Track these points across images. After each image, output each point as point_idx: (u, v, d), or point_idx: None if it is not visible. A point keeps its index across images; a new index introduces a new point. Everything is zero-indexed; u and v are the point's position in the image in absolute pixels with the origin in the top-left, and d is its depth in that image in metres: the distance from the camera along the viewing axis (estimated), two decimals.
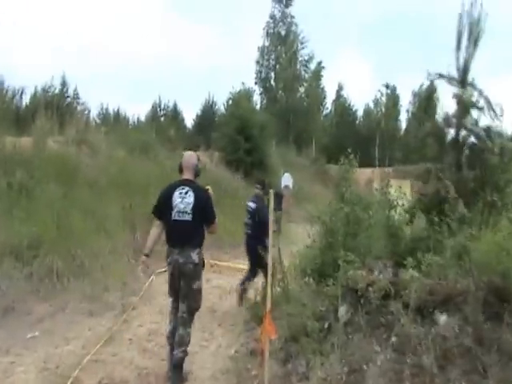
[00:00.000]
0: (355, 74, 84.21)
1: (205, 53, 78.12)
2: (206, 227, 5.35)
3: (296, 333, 5.61)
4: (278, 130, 34.54)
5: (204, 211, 5.22)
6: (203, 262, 5.35)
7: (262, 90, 46.95)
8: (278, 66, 46.48)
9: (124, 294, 8.77)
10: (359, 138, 61.81)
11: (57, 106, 24.02)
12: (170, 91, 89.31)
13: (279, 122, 36.23)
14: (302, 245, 7.79)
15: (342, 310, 5.47)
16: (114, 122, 31.64)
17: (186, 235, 5.13)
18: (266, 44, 47.24)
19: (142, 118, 42.58)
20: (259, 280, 8.09)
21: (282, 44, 46.48)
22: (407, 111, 62.71)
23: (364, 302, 5.33)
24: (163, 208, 5.24)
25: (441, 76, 6.42)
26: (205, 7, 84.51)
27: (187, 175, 5.37)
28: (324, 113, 53.65)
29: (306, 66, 47.28)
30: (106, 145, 14.91)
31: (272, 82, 47.33)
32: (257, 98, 44.44)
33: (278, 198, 12.36)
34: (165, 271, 11.00)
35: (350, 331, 5.25)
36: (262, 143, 24.15)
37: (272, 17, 47.35)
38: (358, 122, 65.97)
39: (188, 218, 5.11)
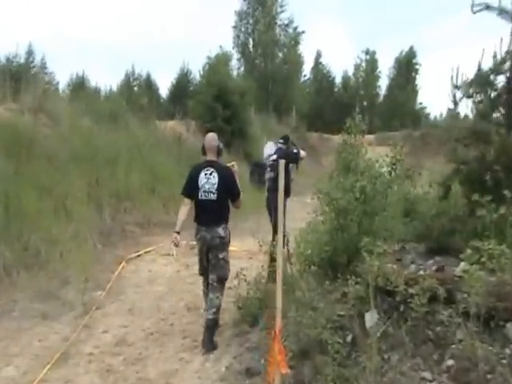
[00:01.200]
0: (333, 42, 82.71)
1: (181, 21, 75.45)
2: (232, 203, 5.74)
3: (308, 347, 4.22)
4: (257, 98, 32.86)
5: (228, 189, 5.63)
6: (229, 235, 5.73)
7: (239, 55, 44.86)
8: (256, 31, 44.36)
9: (87, 288, 7.25)
10: (338, 106, 60.81)
11: (13, 72, 21.92)
12: (145, 62, 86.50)
13: (258, 89, 34.48)
14: (300, 225, 6.65)
15: (371, 318, 4.07)
16: (79, 89, 29.31)
17: (212, 213, 5.52)
18: (244, 8, 45.03)
19: (115, 89, 40.29)
20: (251, 271, 6.62)
21: (260, 7, 44.28)
22: (388, 77, 61.76)
23: (402, 307, 3.93)
24: (191, 188, 5.62)
25: (488, 7, 4.88)
26: None
27: (211, 156, 5.73)
28: (302, 80, 51.70)
29: (286, 31, 45.13)
30: (68, 114, 13.16)
31: (250, 47, 45.26)
32: (235, 64, 42.31)
33: (260, 169, 11.54)
34: (138, 256, 9.87)
35: (385, 348, 3.84)
36: (241, 111, 22.53)
37: None
38: (336, 89, 64.87)
39: (213, 197, 5.53)
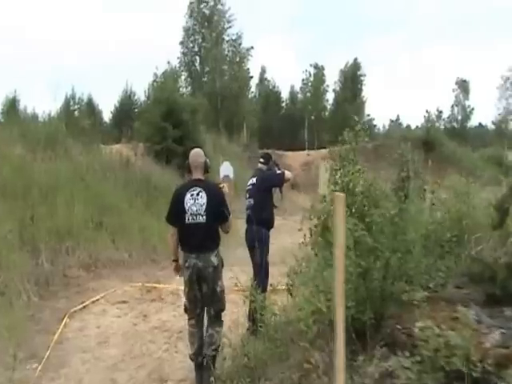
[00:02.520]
0: (278, 58, 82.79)
1: (126, 41, 73.55)
2: (220, 226, 5.13)
3: None
4: (207, 116, 31.56)
5: (218, 209, 5.02)
6: (222, 262, 5.18)
7: (187, 73, 43.47)
8: (203, 48, 43.13)
9: (18, 361, 5.61)
10: (287, 121, 60.51)
11: None
12: (86, 85, 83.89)
13: (208, 107, 33.17)
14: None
15: None
16: (11, 113, 27.19)
17: (202, 238, 4.97)
18: (190, 24, 43.74)
19: (54, 113, 38.05)
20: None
21: (206, 23, 43.11)
22: (334, 91, 61.98)
23: None
24: (176, 213, 5.05)
25: None
26: None
27: (197, 174, 5.16)
28: (249, 96, 50.82)
29: (234, 46, 44.06)
30: None
31: (197, 64, 43.97)
32: (182, 83, 40.84)
33: None
34: (84, 308, 8.25)
35: None
36: (193, 130, 21.31)
37: None
38: (284, 104, 64.77)
39: (202, 219, 4.96)
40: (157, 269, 10.51)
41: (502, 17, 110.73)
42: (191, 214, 4.97)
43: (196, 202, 4.97)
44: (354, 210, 5.33)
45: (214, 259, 5.00)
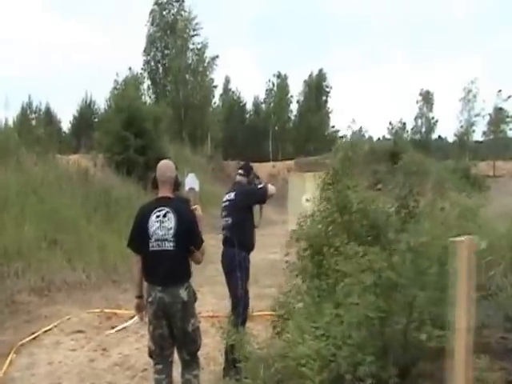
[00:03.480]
0: (243, 68, 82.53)
1: (87, 49, 71.86)
2: (191, 254, 4.27)
3: None
4: (171, 126, 30.63)
5: (189, 234, 4.21)
6: (194, 295, 4.34)
7: (150, 81, 42.38)
8: (167, 56, 42.16)
9: None
10: (251, 132, 60.08)
11: None
12: (44, 94, 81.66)
13: (171, 117, 32.22)
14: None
15: None
16: None
17: (169, 268, 4.14)
18: (152, 32, 42.70)
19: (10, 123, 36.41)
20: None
21: (169, 32, 42.15)
22: (298, 101, 61.85)
23: None
24: (139, 238, 4.22)
25: None
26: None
27: (164, 191, 4.29)
28: (213, 107, 50.04)
29: (199, 56, 43.12)
30: None
31: (161, 72, 42.96)
32: (145, 91, 39.79)
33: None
34: (34, 339, 7.27)
35: None
36: (156, 139, 20.39)
37: (157, 3, 42.89)
38: (248, 115, 64.45)
39: (170, 246, 4.14)
40: (118, 291, 9.57)
41: (464, 30, 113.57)
42: (156, 240, 4.18)
43: (162, 226, 4.18)
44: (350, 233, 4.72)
45: (183, 293, 4.19)
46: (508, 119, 56.17)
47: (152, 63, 43.12)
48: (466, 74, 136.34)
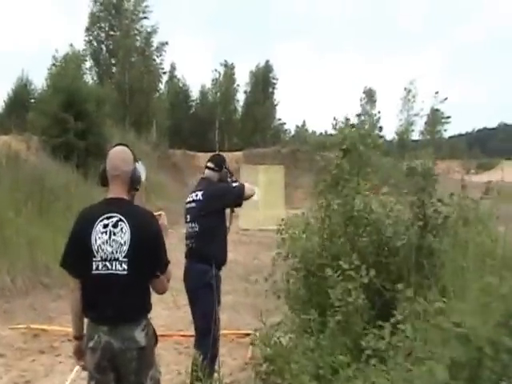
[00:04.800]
0: (190, 56, 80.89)
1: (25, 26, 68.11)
2: (152, 280, 3.03)
3: None
4: (115, 110, 28.83)
5: (150, 253, 2.95)
6: (155, 336, 3.14)
7: (94, 62, 40.00)
8: (111, 37, 39.96)
9: None
10: (196, 121, 58.68)
11: None
12: None
13: (116, 100, 30.37)
14: None
15: None
16: None
17: (118, 300, 2.90)
18: (95, 11, 40.30)
19: None
20: None
21: (114, 12, 39.92)
22: (245, 92, 61.07)
23: None
24: (78, 255, 2.97)
25: None
26: None
27: (117, 191, 3.03)
28: (159, 93, 48.10)
29: (146, 39, 40.99)
30: None
31: (104, 53, 40.70)
32: (87, 70, 37.51)
33: None
34: None
35: None
36: (98, 123, 18.82)
37: None
38: (194, 103, 63.23)
39: (121, 269, 2.90)
40: (49, 298, 8.11)
41: (407, 33, 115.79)
42: (103, 259, 2.96)
43: (112, 240, 2.97)
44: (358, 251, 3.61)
45: (139, 336, 2.99)
46: (443, 120, 57.66)
47: (95, 43, 40.69)
48: (410, 73, 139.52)
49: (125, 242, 2.93)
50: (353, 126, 3.75)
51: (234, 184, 4.61)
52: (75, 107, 17.66)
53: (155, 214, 3.19)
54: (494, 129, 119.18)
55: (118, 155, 3.08)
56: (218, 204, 4.42)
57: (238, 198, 4.47)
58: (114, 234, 2.95)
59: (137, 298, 3.00)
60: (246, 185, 4.56)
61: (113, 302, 2.93)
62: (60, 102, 17.63)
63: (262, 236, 16.64)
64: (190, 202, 4.50)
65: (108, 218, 2.96)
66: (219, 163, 4.68)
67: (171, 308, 7.47)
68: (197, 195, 4.45)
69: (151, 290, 3.07)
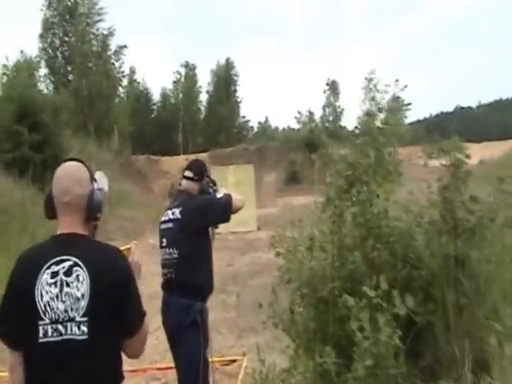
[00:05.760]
0: (150, 59, 79.92)
1: None
2: (123, 345, 2.24)
3: None
4: (74, 118, 27.61)
5: (118, 307, 2.17)
6: None
7: (49, 70, 38.43)
8: (66, 43, 38.49)
9: None
10: (159, 124, 57.80)
11: None
12: None
13: (74, 109, 29.06)
14: None
15: None
16: None
17: (79, 375, 2.08)
18: (49, 16, 38.68)
19: None
20: None
21: (68, 16, 38.40)
22: (207, 92, 60.50)
23: None
24: (18, 318, 2.14)
25: None
26: None
27: (68, 223, 2.23)
28: (120, 98, 46.77)
29: (103, 43, 39.54)
30: None
31: (60, 60, 39.18)
32: (41, 78, 36.07)
33: None
34: None
35: None
36: (55, 133, 17.79)
37: None
38: (156, 107, 62.57)
39: (79, 332, 2.09)
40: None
41: (367, 23, 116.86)
42: (54, 322, 2.12)
43: (65, 293, 2.14)
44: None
45: None
46: (404, 107, 58.56)
47: (49, 50, 39.09)
48: (370, 63, 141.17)
49: (82, 296, 2.13)
50: (368, 113, 2.96)
51: (219, 195, 3.71)
52: (29, 118, 16.61)
53: (122, 249, 2.38)
54: (450, 113, 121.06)
55: (69, 174, 2.24)
56: (200, 222, 3.61)
57: (224, 212, 3.64)
58: (68, 285, 2.13)
59: (103, 369, 2.18)
60: (234, 195, 3.72)
61: (70, 379, 2.11)
62: (12, 113, 16.58)
63: (235, 239, 15.95)
64: (165, 222, 3.70)
65: (58, 264, 2.14)
66: (199, 171, 3.85)
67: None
68: (174, 213, 3.64)
69: (122, 354, 2.28)
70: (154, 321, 6.72)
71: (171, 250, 3.57)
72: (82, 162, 2.30)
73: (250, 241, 14.92)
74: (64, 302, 2.10)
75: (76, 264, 2.12)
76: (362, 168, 2.90)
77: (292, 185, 32.98)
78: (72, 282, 2.11)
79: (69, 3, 38.74)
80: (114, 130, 35.49)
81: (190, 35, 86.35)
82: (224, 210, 3.62)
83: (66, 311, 2.08)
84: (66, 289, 2.10)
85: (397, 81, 57.58)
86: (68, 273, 2.11)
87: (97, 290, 2.12)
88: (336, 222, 3.03)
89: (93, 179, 2.30)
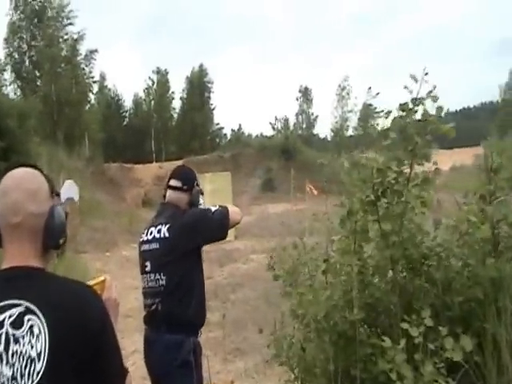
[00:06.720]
0: (121, 65, 79.06)
1: None
2: None
3: None
4: (42, 125, 26.68)
5: (90, 368, 1.47)
6: None
7: (15, 75, 37.26)
8: (33, 47, 37.39)
9: None
10: (131, 132, 56.93)
11: None
12: None
13: (42, 115, 28.09)
14: None
15: None
16: None
17: None
18: (15, 19, 37.54)
19: None
20: None
21: (36, 20, 37.33)
22: (181, 98, 59.95)
23: None
24: None
25: None
26: None
27: (18, 253, 1.52)
28: (90, 104, 45.65)
29: (74, 47, 38.46)
30: None
31: (27, 64, 38.06)
32: (7, 82, 35.01)
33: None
34: None
35: None
36: (21, 140, 17.08)
37: None
38: (128, 114, 61.66)
39: None
40: None
41: (341, 33, 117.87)
42: None
43: (12, 352, 1.45)
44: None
45: None
46: (375, 114, 59.66)
47: (16, 55, 37.94)
48: (343, 71, 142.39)
49: (38, 355, 1.48)
50: (403, 108, 2.41)
51: (213, 208, 3.08)
52: None
53: (94, 283, 1.74)
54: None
55: (21, 185, 1.58)
56: (194, 241, 2.99)
57: (221, 228, 3.03)
58: (16, 342, 1.48)
59: None
60: (230, 207, 3.13)
61: None
62: None
63: (211, 250, 15.31)
64: (148, 242, 3.04)
65: (2, 311, 1.50)
66: (188, 179, 3.19)
67: None
68: (160, 231, 2.99)
69: None
70: (131, 340, 5.97)
71: (158, 276, 2.93)
72: (38, 168, 1.66)
73: (228, 251, 14.34)
74: (11, 365, 1.47)
75: (29, 311, 1.50)
76: (394, 175, 2.35)
77: (267, 192, 32.56)
78: (23, 337, 1.48)
79: (36, 7, 37.62)
80: (84, 137, 34.58)
81: (163, 41, 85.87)
82: (220, 225, 3.02)
83: (14, 378, 1.45)
84: (14, 346, 1.47)
85: (369, 88, 58.55)
86: (17, 323, 1.49)
87: (59, 347, 1.50)
88: (359, 241, 2.48)
89: (53, 192, 1.67)
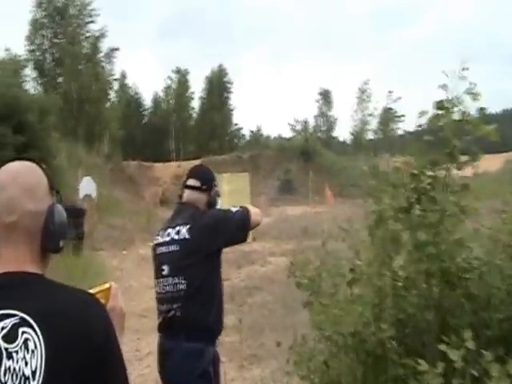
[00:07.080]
0: (142, 64, 79.73)
1: None
2: None
3: None
4: (63, 122, 26.79)
5: (94, 379, 1.27)
6: None
7: (37, 72, 37.53)
8: (56, 45, 37.65)
9: None
10: (150, 130, 57.14)
11: None
12: None
13: (63, 112, 28.21)
14: None
15: None
16: None
17: None
18: (38, 17, 37.78)
19: None
20: None
21: (59, 17, 37.56)
22: (200, 98, 60.10)
23: None
24: None
25: None
26: None
27: (12, 257, 1.32)
28: (111, 102, 45.97)
29: (95, 45, 38.79)
30: None
31: (49, 61, 38.31)
32: (29, 78, 35.24)
33: (76, 215, 8.74)
34: None
35: None
36: (42, 136, 16.90)
37: None
38: (147, 112, 62.00)
39: None
40: None
41: (363, 34, 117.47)
42: None
43: (5, 369, 1.24)
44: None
45: None
46: (396, 118, 59.48)
47: (38, 52, 38.20)
48: (365, 74, 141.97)
49: (33, 373, 1.28)
50: (441, 106, 2.18)
51: (234, 209, 2.94)
52: (14, 118, 15.76)
53: (97, 291, 1.55)
54: None
55: (17, 180, 1.40)
56: (215, 242, 2.84)
57: (241, 229, 2.90)
58: (9, 357, 1.29)
59: None
60: (251, 208, 2.98)
61: None
62: None
63: (229, 251, 15.14)
64: (166, 244, 2.87)
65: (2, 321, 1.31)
66: (207, 179, 3.06)
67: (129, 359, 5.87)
68: (179, 232, 2.83)
69: None
70: (146, 342, 5.75)
71: (176, 280, 2.76)
72: (37, 162, 1.47)
73: (246, 253, 14.13)
74: (4, 383, 1.28)
75: (24, 322, 1.31)
76: (429, 180, 2.13)
77: (286, 194, 32.36)
78: (16, 352, 1.29)
79: (59, 4, 37.88)
80: (104, 134, 34.78)
81: (183, 41, 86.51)
82: (241, 226, 2.88)
83: None
84: (6, 362, 1.28)
85: (390, 92, 58.29)
86: (10, 337, 1.30)
87: (57, 364, 1.31)
88: (387, 250, 2.26)
89: (53, 189, 1.48)
